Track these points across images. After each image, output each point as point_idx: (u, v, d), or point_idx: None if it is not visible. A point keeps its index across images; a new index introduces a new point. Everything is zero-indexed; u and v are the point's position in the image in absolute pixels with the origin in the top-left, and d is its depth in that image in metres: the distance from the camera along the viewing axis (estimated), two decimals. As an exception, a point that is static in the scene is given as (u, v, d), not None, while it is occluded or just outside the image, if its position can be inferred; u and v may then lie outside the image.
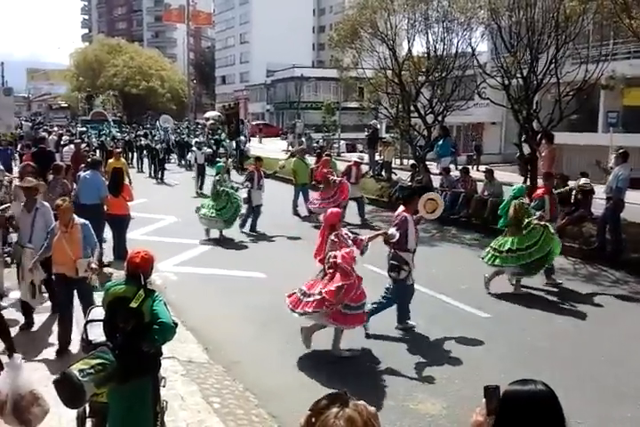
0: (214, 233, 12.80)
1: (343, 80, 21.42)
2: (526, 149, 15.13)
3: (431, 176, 17.29)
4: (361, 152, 31.11)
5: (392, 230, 7.09)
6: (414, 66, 18.32)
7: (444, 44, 17.56)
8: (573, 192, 12.23)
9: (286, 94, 62.43)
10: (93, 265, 6.54)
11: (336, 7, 70.04)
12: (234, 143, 25.22)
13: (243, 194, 13.36)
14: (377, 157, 24.18)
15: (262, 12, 73.59)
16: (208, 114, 47.95)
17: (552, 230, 8.95)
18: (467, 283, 9.36)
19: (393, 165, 23.13)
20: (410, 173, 18.61)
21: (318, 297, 6.31)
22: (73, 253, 6.49)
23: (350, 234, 6.87)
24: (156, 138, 27.17)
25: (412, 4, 17.37)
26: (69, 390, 3.59)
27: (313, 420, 2.04)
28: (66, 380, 3.59)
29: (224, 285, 9.48)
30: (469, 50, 17.36)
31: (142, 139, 28.29)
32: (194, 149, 21.54)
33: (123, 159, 16.86)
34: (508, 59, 15.06)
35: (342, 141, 38.46)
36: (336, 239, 6.55)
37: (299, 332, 6.78)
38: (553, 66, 14.21)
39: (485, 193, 14.26)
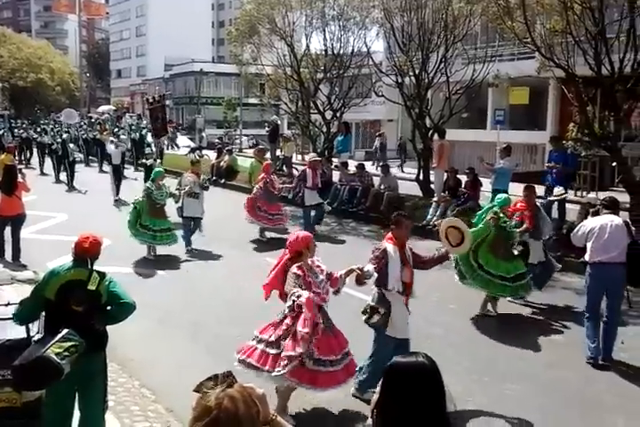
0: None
1: (243, 76, 21.34)
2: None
3: (332, 172, 17.60)
4: (253, 147, 29.99)
5: (368, 267, 5.34)
6: (312, 63, 18.58)
7: (341, 43, 17.96)
8: (462, 185, 12.88)
9: (186, 89, 61.22)
10: None
11: (235, 2, 69.39)
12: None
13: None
14: (278, 153, 24.27)
15: (159, 5, 71.67)
16: (102, 108, 46.13)
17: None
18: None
19: (294, 161, 23.32)
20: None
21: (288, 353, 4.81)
22: None
23: (323, 267, 5.25)
24: (63, 136, 22.49)
25: (308, 2, 17.61)
26: (47, 374, 3.75)
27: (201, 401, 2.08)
28: (43, 364, 3.72)
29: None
30: (365, 49, 17.83)
31: (45, 136, 25.10)
32: (110, 146, 18.56)
33: (11, 156, 15.75)
34: (401, 58, 15.60)
35: (245, 137, 38.31)
36: (300, 273, 5.03)
37: (194, 328, 6.43)
38: (443, 65, 14.87)
39: (382, 187, 14.71)
